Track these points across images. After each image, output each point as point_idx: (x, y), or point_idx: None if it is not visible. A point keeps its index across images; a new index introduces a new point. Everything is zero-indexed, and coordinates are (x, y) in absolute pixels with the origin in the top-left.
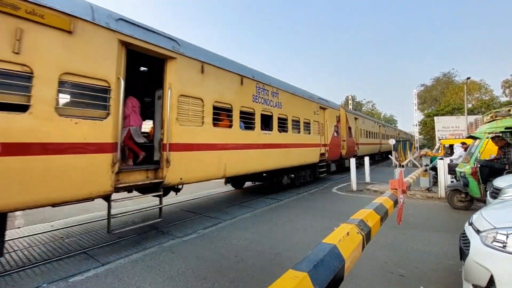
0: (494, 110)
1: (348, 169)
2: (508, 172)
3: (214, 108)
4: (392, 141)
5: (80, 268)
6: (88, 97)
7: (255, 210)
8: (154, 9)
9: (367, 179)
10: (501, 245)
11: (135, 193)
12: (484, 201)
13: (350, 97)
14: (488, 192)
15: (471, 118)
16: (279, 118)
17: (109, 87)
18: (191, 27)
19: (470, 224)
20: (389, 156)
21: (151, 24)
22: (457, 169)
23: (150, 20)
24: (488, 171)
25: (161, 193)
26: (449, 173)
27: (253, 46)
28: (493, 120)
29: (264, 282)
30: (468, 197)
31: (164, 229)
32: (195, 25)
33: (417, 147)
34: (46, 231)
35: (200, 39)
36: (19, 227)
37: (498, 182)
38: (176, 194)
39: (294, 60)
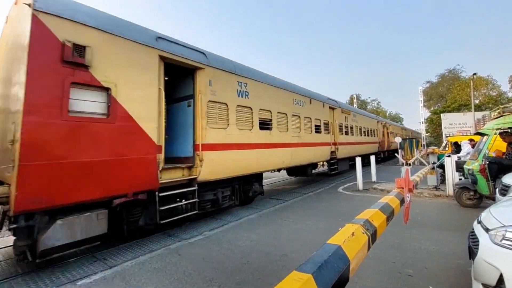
0: (502, 106)
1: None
2: None
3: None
4: (398, 139)
5: (88, 271)
6: None
7: (261, 211)
8: (156, 8)
9: (373, 178)
10: (511, 243)
11: None
12: (493, 199)
13: (354, 95)
14: (497, 190)
15: (479, 115)
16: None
17: None
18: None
19: (479, 222)
20: (395, 154)
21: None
22: (465, 166)
23: (154, 19)
24: (497, 168)
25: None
26: (457, 170)
27: (256, 45)
28: (501, 116)
29: (270, 284)
30: (476, 195)
31: (170, 231)
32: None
33: (423, 144)
34: None
35: (202, 38)
36: None
37: (507, 179)
38: None
39: (298, 60)
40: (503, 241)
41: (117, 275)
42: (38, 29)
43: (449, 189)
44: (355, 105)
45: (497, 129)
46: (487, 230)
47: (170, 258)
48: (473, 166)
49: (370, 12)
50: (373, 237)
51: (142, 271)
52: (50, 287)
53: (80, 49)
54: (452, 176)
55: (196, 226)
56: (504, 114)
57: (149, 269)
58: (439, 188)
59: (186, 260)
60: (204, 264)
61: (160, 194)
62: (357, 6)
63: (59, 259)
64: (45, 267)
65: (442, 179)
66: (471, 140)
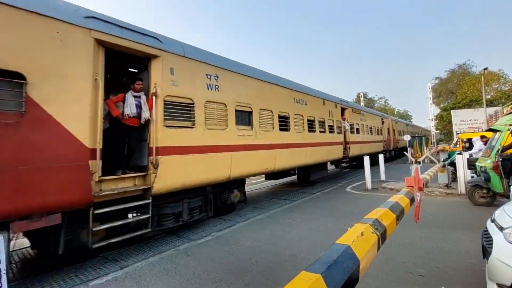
0: None
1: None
2: None
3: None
4: (407, 137)
5: (100, 272)
6: None
7: (269, 212)
8: (157, 11)
9: (382, 177)
10: None
11: None
12: (507, 196)
13: (361, 94)
14: (511, 187)
15: (491, 110)
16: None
17: None
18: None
19: (493, 220)
20: (404, 153)
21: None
22: (477, 163)
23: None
24: (511, 165)
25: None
26: (469, 168)
27: (262, 44)
28: None
29: (279, 284)
30: (490, 193)
31: (179, 232)
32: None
33: (433, 142)
34: None
35: (205, 40)
36: None
37: None
38: None
39: (304, 58)
40: None
41: (128, 276)
42: None
43: (461, 187)
44: (362, 104)
45: (510, 125)
46: (501, 228)
47: (180, 259)
48: (486, 163)
49: (378, 9)
50: (382, 237)
51: (153, 272)
52: None
53: None
54: (464, 174)
55: (204, 227)
56: None
57: (159, 270)
58: (450, 186)
59: (195, 260)
60: (213, 265)
61: None
62: (362, 3)
63: (69, 261)
64: (57, 269)
65: (454, 177)
66: (483, 136)
